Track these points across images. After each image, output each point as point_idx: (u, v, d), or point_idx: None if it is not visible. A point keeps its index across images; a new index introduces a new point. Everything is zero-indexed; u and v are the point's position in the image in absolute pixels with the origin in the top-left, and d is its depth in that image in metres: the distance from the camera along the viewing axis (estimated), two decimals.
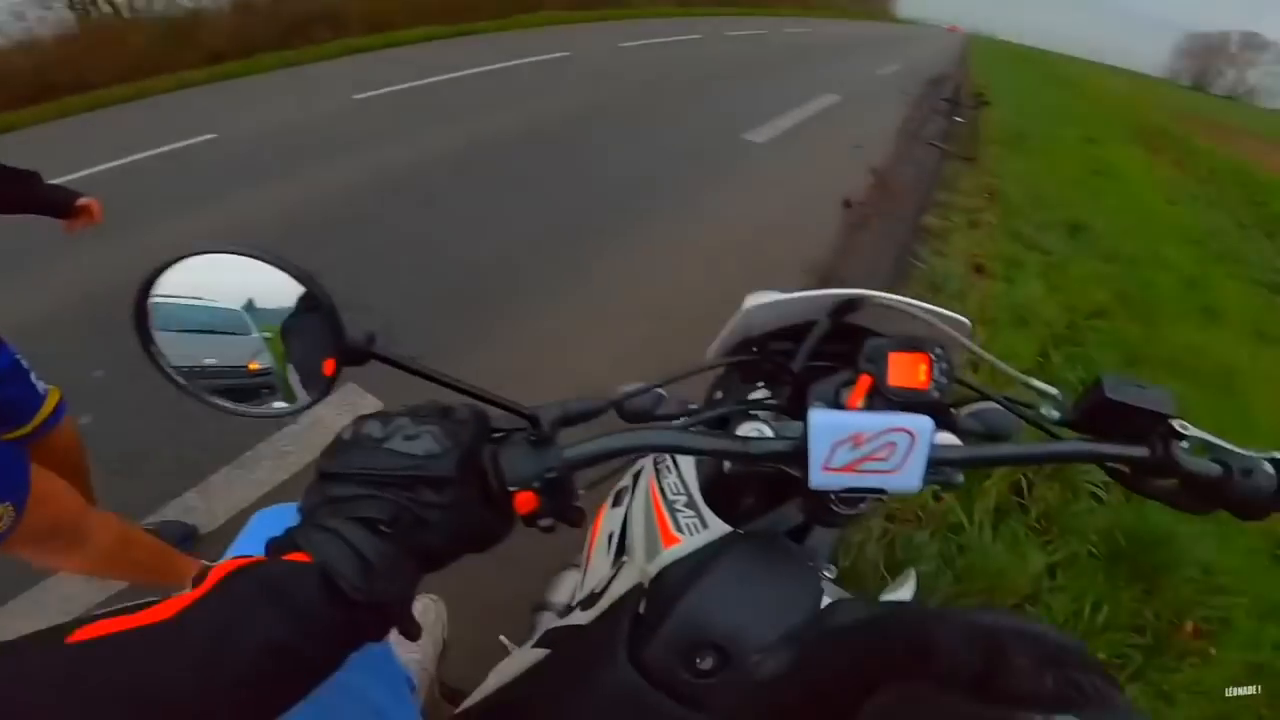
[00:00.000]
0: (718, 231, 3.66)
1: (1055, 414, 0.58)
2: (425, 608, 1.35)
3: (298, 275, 0.42)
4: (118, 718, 0.29)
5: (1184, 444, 0.55)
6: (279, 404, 0.46)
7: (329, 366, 0.43)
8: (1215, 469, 0.54)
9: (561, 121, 5.46)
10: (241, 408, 0.46)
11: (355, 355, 0.42)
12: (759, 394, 0.65)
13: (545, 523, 0.47)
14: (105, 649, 0.31)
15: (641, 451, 0.50)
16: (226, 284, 0.43)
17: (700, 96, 7.00)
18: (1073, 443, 0.55)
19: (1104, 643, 1.60)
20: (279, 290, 0.43)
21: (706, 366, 0.66)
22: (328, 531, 0.38)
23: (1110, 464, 0.57)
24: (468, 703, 0.72)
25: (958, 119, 8.23)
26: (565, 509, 0.47)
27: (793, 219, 3.95)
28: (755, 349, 0.70)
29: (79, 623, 0.32)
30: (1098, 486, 2.03)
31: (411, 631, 0.42)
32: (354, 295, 2.85)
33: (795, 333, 0.67)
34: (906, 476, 0.49)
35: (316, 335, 0.42)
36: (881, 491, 0.51)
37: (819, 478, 0.49)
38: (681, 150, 5.03)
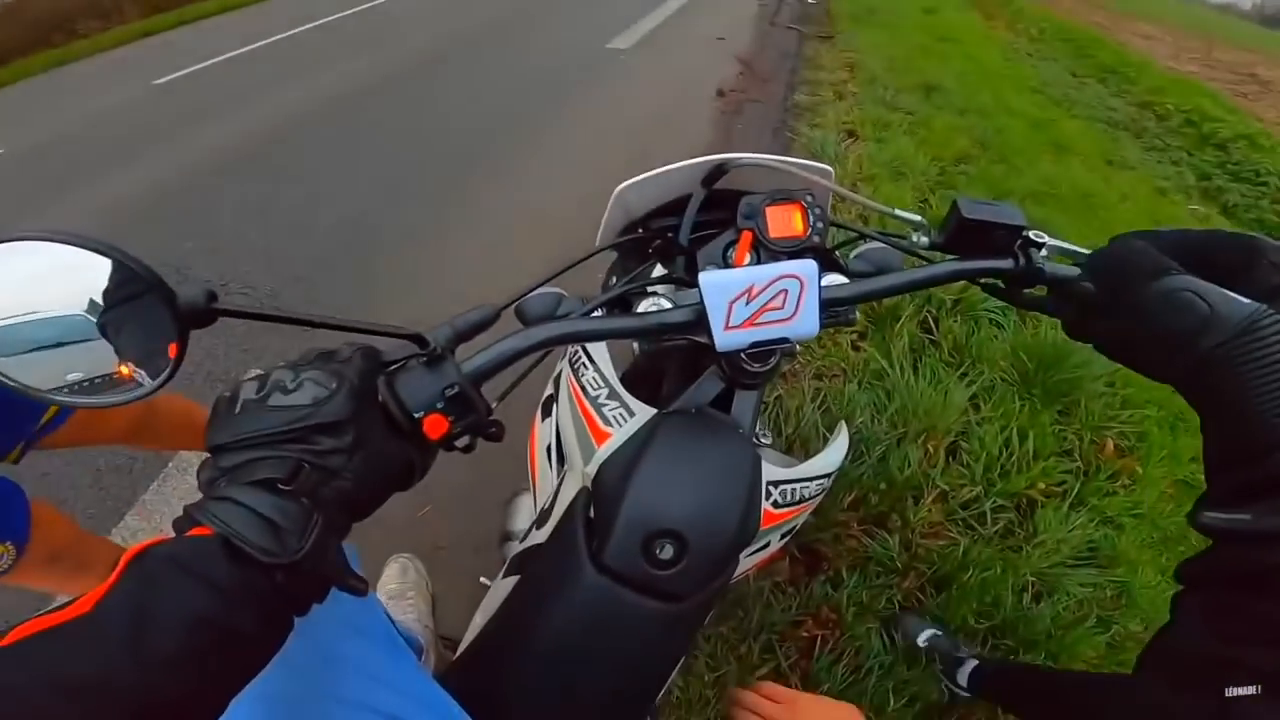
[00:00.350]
0: (599, 141, 3.53)
1: (924, 240, 0.61)
2: (404, 567, 1.36)
3: (103, 251, 0.36)
4: (61, 713, 0.30)
5: (1043, 252, 0.59)
6: (128, 392, 0.40)
7: (173, 348, 0.38)
8: (1075, 271, 0.58)
9: (408, 68, 5.02)
10: (88, 400, 0.40)
11: (199, 317, 0.37)
12: (654, 273, 0.67)
13: (463, 443, 0.46)
14: (32, 648, 0.31)
15: (540, 348, 0.50)
16: (58, 289, 0.37)
17: (553, 14, 6.62)
18: (945, 264, 0.59)
19: (1039, 472, 1.67)
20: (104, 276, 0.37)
21: (594, 252, 0.67)
22: (224, 501, 0.37)
23: (983, 279, 0.61)
24: (461, 648, 0.71)
25: (810, 1, 8.28)
26: (480, 425, 0.46)
27: (670, 116, 3.92)
28: (640, 230, 0.71)
29: (9, 627, 0.32)
30: (994, 312, 2.11)
31: (356, 587, 0.41)
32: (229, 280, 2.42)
33: (675, 208, 0.68)
34: (803, 321, 0.51)
35: (148, 312, 0.37)
36: (785, 340, 0.52)
37: (723, 338, 0.51)
38: (546, 71, 4.77)
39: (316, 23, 6.83)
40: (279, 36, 6.44)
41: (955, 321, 2.02)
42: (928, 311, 2.03)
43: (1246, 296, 0.38)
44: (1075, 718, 1.02)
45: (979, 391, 1.83)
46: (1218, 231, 0.44)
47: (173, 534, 0.37)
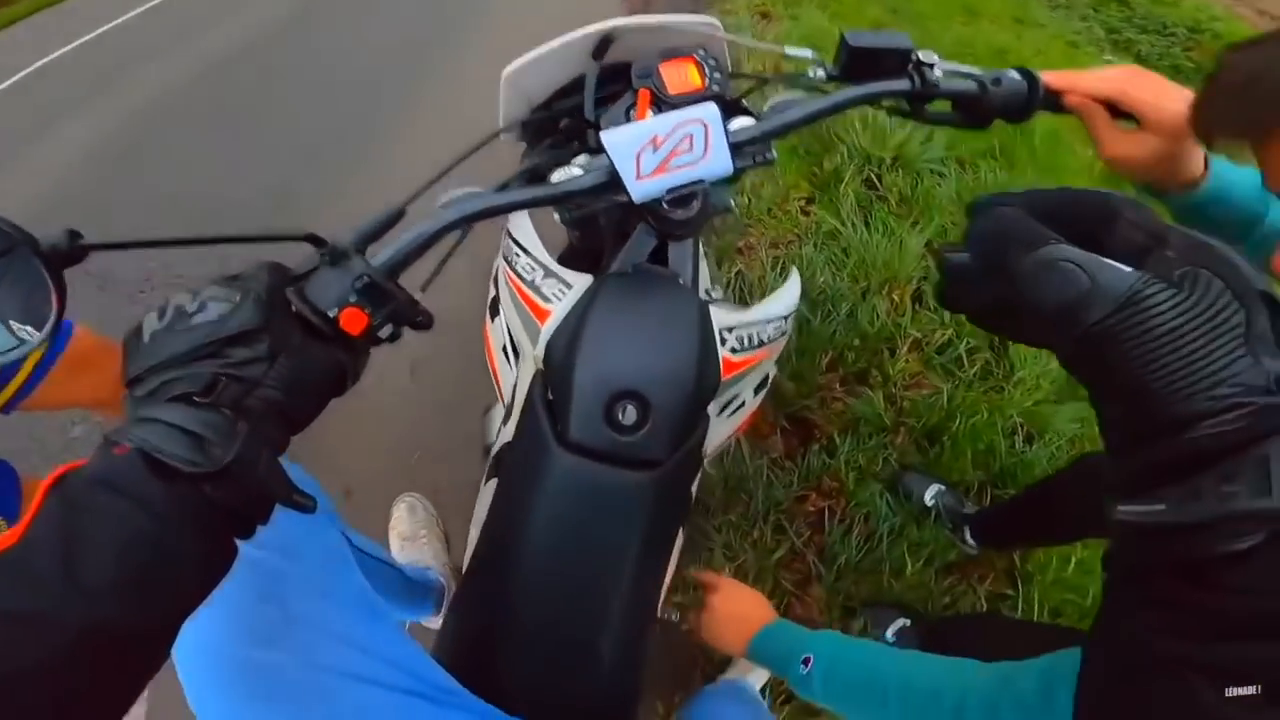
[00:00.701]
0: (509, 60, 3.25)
1: (821, 74, 0.65)
2: (411, 506, 1.34)
3: None
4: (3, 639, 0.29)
5: (937, 72, 0.62)
6: (21, 348, 0.37)
7: (54, 297, 0.36)
8: (972, 85, 0.62)
9: (274, 31, 4.53)
10: None
11: (66, 257, 0.36)
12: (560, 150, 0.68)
13: (386, 333, 0.46)
14: None
15: (453, 228, 0.50)
16: None
17: None
18: (846, 91, 0.61)
19: None
20: None
21: (496, 133, 0.68)
22: (141, 421, 0.36)
23: (885, 102, 0.64)
24: (465, 565, 0.70)
25: None
26: (401, 313, 0.46)
27: (576, 19, 3.55)
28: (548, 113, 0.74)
29: None
30: (934, 164, 2.04)
31: (302, 503, 0.41)
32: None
33: (576, 88, 0.70)
34: (715, 161, 0.53)
35: (19, 267, 0.36)
36: (700, 181, 0.54)
37: (638, 188, 0.52)
38: (425, 6, 4.35)
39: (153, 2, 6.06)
40: (124, 18, 5.71)
41: (898, 176, 1.99)
42: (869, 170, 2.00)
43: (1116, 259, 0.36)
44: (1070, 509, 1.00)
45: (932, 237, 1.79)
46: (1069, 190, 0.42)
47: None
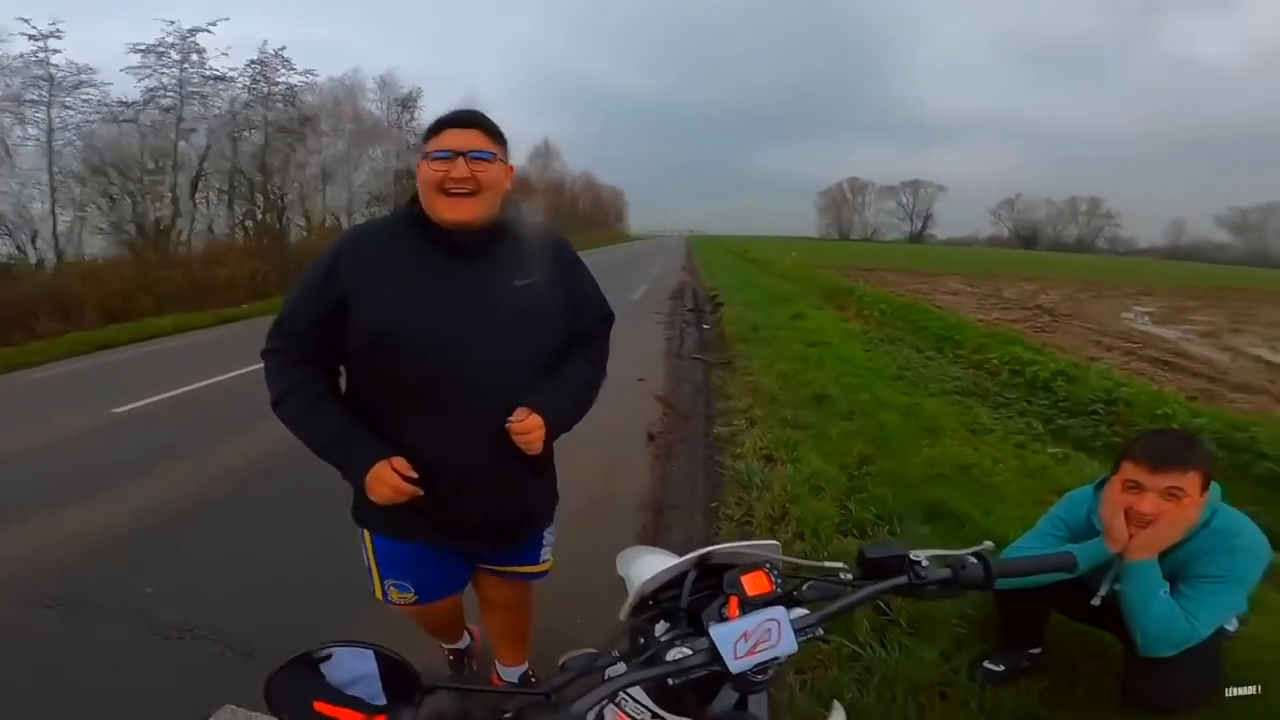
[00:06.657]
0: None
1: (849, 576, 0.92)
2: None
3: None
4: None
5: (924, 564, 0.89)
6: None
7: None
8: (947, 572, 0.90)
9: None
10: None
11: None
12: (668, 631, 0.89)
13: None
14: None
15: (623, 687, 0.73)
16: None
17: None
18: (866, 589, 0.89)
19: None
20: None
21: (625, 628, 0.90)
22: None
23: (890, 594, 0.90)
24: None
25: (705, 326, 9.70)
26: None
27: (615, 462, 4.21)
28: (651, 601, 0.93)
29: None
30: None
31: None
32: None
33: (675, 584, 0.91)
34: (786, 644, 0.77)
35: None
36: (777, 658, 0.76)
37: (736, 665, 0.74)
38: None
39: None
40: (240, 371, 6.44)
41: (907, 601, 2.46)
42: (880, 599, 2.40)
43: None
44: None
45: (944, 648, 2.24)
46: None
47: None
